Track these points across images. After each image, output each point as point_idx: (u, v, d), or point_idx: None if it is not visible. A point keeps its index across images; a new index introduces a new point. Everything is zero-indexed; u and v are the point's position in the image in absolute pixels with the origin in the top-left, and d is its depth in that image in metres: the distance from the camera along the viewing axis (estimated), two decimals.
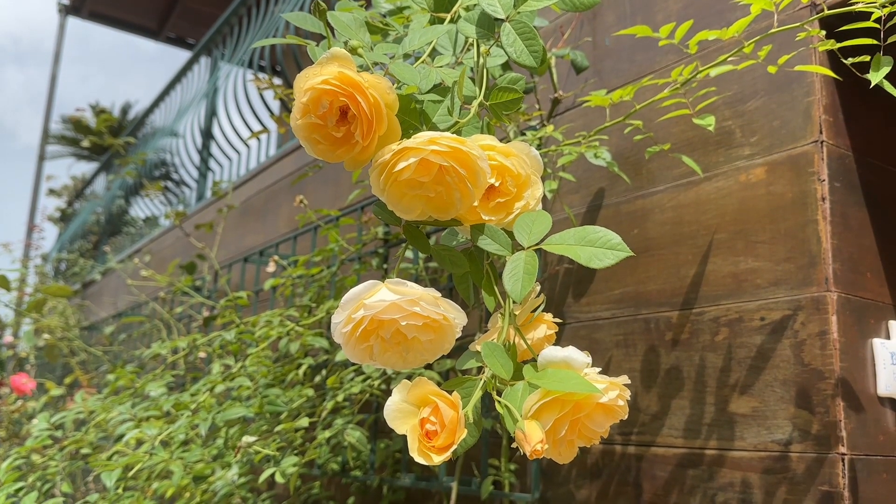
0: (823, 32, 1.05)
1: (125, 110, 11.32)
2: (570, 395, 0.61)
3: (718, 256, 1.21)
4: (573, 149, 1.31)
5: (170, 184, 5.63)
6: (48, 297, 3.41)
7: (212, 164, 3.94)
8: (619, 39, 1.47)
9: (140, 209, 5.38)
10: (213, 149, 3.94)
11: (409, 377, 1.44)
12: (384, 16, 1.00)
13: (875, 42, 0.95)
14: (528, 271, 0.65)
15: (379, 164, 0.67)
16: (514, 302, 0.71)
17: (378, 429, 1.73)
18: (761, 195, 1.17)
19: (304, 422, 1.39)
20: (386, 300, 0.64)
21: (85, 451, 1.65)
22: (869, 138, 1.19)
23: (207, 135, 3.96)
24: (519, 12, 0.78)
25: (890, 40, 0.93)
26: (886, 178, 1.21)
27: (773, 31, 1.02)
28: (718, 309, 1.19)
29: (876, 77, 0.90)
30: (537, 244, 0.68)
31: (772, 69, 1.08)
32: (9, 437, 2.87)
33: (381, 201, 0.71)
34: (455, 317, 0.66)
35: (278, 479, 1.27)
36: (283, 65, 2.97)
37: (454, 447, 0.60)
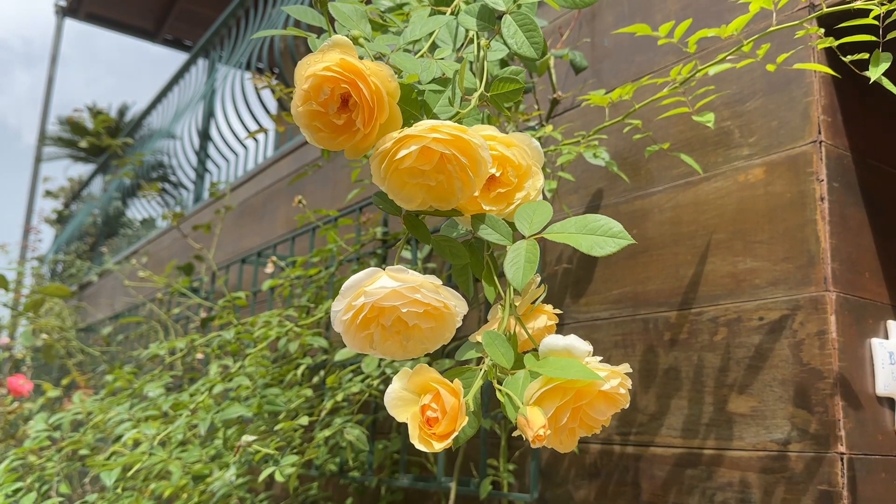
0: (822, 31, 1.05)
1: (122, 112, 11.32)
2: (572, 382, 0.61)
3: (717, 256, 1.21)
4: (572, 148, 1.31)
5: (167, 185, 5.63)
6: (46, 298, 3.40)
7: (209, 165, 3.93)
8: (618, 40, 1.48)
9: (137, 211, 5.38)
10: (211, 150, 3.94)
11: None
12: (383, 12, 1.00)
13: (874, 39, 0.95)
14: (530, 259, 0.65)
15: (380, 152, 0.67)
16: (514, 292, 0.71)
17: (376, 429, 1.72)
18: (760, 195, 1.17)
19: (303, 420, 1.39)
20: (387, 287, 0.64)
21: (83, 452, 1.65)
22: (867, 139, 1.19)
23: (205, 136, 3.96)
24: (519, 5, 0.79)
25: (889, 37, 0.94)
26: (885, 178, 1.21)
27: (771, 29, 1.03)
28: (717, 309, 1.19)
29: (875, 73, 0.90)
30: (538, 233, 0.68)
31: (770, 67, 1.08)
32: (5, 439, 2.86)
33: (381, 191, 0.71)
34: (456, 304, 0.66)
35: (277, 478, 1.26)
36: (282, 66, 2.98)
37: (455, 434, 0.60)
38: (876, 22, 0.95)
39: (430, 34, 0.77)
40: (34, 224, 7.65)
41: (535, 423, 0.58)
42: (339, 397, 1.47)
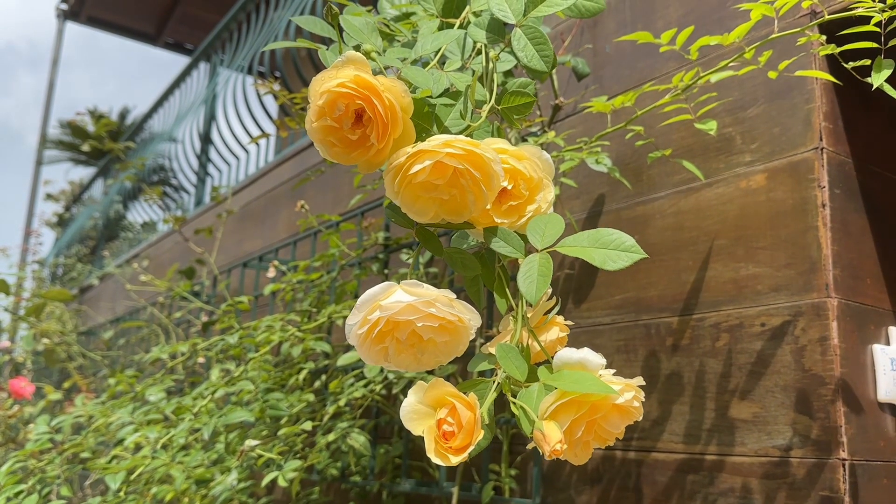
0: (824, 38, 1.06)
1: (123, 115, 11.31)
2: (587, 396, 0.61)
3: (719, 262, 1.22)
4: (574, 154, 1.32)
5: (168, 189, 5.62)
6: (47, 301, 3.40)
7: (210, 169, 3.93)
8: (620, 47, 1.48)
9: (138, 214, 5.38)
10: (212, 154, 3.94)
11: (412, 382, 1.45)
12: (390, 21, 1.01)
13: (876, 46, 0.96)
14: (543, 273, 0.65)
15: (394, 166, 0.67)
16: (527, 304, 0.72)
17: (378, 434, 1.73)
18: (762, 201, 1.18)
19: (307, 425, 1.39)
20: (402, 301, 0.64)
21: (84, 455, 1.65)
22: (868, 145, 1.20)
23: (206, 140, 3.96)
24: (527, 18, 0.79)
25: (891, 44, 0.94)
26: (886, 184, 1.22)
27: (773, 36, 1.03)
28: (719, 315, 1.20)
29: (878, 79, 0.91)
30: (551, 246, 0.69)
31: (772, 74, 1.09)
32: (5, 442, 2.86)
33: (393, 204, 0.71)
34: (470, 318, 0.66)
35: (281, 482, 1.27)
36: (283, 71, 2.98)
37: (471, 448, 0.61)
38: (877, 29, 0.95)
39: (440, 49, 0.78)
40: (35, 227, 7.64)
41: (551, 439, 0.58)
42: (342, 402, 1.48)
